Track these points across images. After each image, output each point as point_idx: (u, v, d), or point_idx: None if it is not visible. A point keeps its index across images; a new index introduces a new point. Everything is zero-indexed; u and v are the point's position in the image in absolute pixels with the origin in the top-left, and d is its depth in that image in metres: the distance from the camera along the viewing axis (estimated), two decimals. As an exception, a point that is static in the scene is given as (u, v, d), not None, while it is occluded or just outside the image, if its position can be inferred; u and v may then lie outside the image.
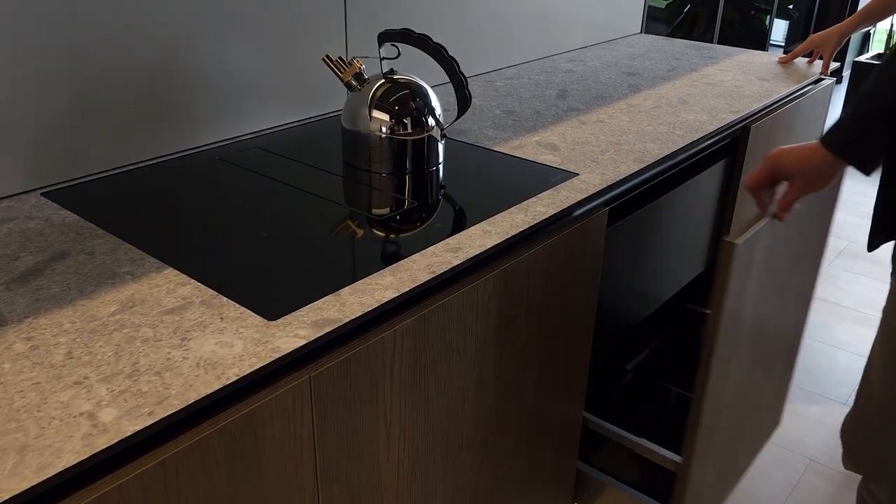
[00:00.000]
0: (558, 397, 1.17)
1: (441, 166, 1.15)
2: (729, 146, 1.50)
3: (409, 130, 1.11)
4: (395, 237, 0.92)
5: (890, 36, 4.10)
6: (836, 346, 2.22)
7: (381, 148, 1.11)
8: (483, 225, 0.95)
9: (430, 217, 0.98)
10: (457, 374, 0.92)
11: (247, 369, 0.67)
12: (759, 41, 4.73)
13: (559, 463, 1.25)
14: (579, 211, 1.07)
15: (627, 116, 1.41)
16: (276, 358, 0.68)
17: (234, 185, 1.06)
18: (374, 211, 1.00)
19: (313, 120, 1.35)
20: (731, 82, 1.68)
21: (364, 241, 0.90)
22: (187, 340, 0.70)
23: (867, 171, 1.00)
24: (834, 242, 2.87)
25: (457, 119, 1.15)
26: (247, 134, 1.26)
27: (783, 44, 5.20)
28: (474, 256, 0.88)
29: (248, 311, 0.76)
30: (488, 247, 0.90)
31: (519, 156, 1.19)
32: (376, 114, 1.11)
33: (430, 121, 1.13)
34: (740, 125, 1.45)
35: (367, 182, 1.09)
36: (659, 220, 1.32)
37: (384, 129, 1.11)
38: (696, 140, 1.30)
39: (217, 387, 0.64)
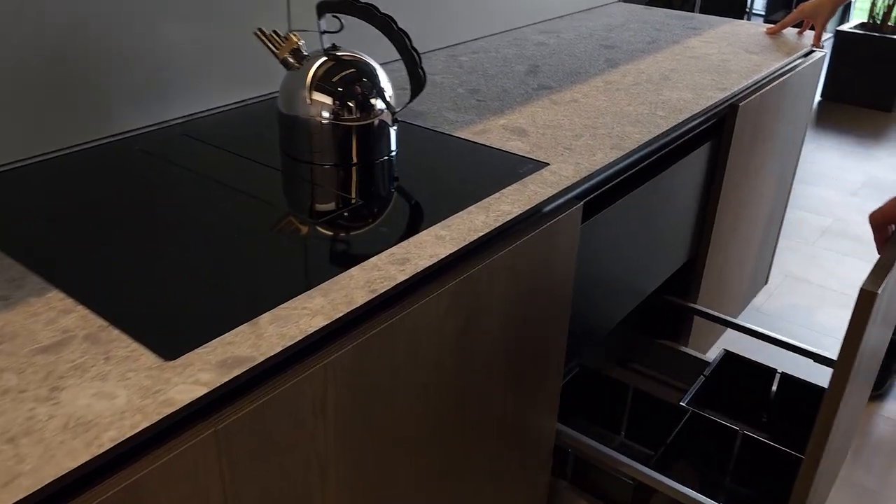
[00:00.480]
0: (530, 410, 1.04)
1: (393, 156, 1.01)
2: (714, 127, 1.37)
3: (355, 115, 0.97)
4: (331, 246, 0.78)
5: (874, 4, 3.98)
6: (819, 332, 2.12)
7: (323, 136, 0.97)
8: (437, 229, 0.82)
9: (375, 219, 0.84)
10: (407, 404, 0.79)
11: (127, 431, 0.53)
12: (739, 10, 4.59)
13: (532, 479, 1.13)
14: (550, 207, 0.94)
15: (604, 95, 1.27)
16: (167, 414, 0.55)
17: (151, 181, 0.92)
18: (311, 213, 0.86)
19: (252, 102, 1.20)
20: (716, 55, 1.54)
21: (294, 252, 0.77)
22: (59, 391, 0.57)
23: None
24: (817, 220, 2.77)
25: (410, 101, 1.01)
26: (173, 119, 1.11)
27: (763, 13, 5.06)
28: (424, 270, 0.74)
29: (142, 347, 0.62)
30: (441, 256, 0.77)
31: (482, 142, 1.05)
32: (317, 96, 0.96)
33: (379, 104, 0.98)
34: (727, 104, 1.32)
35: (307, 176, 0.95)
36: (638, 210, 1.19)
37: (326, 114, 0.96)
38: (681, 122, 1.16)
39: (86, 458, 0.51)
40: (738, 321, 1.47)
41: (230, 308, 0.67)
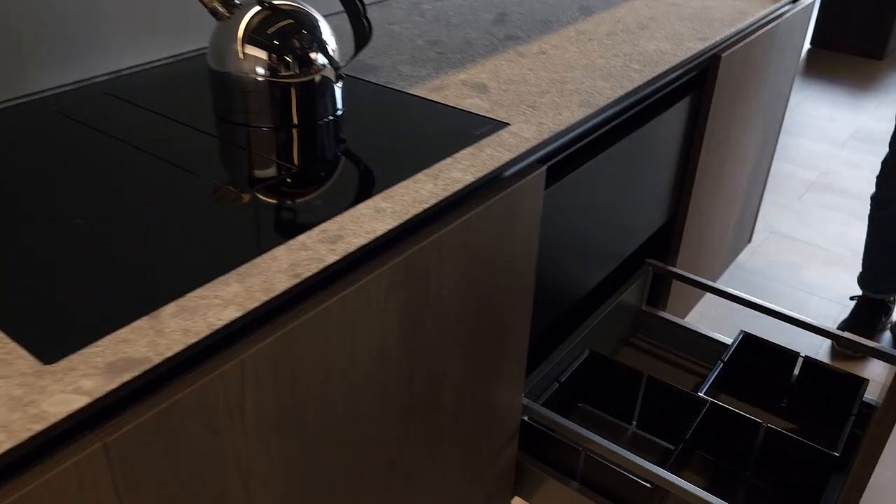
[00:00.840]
0: (492, 387, 0.97)
1: (338, 116, 0.92)
2: (695, 80, 1.27)
3: (294, 71, 0.87)
4: (256, 222, 0.69)
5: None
6: (804, 291, 2.06)
7: (258, 95, 0.87)
8: (378, 200, 0.73)
9: (310, 190, 0.75)
10: (344, 395, 0.71)
11: (-14, 455, 0.45)
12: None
13: (497, 456, 1.07)
14: (510, 172, 0.85)
15: (576, 46, 1.17)
16: (38, 431, 0.47)
17: (65, 147, 0.82)
18: (236, 183, 0.77)
19: (185, 56, 1.10)
20: (698, 2, 1.44)
21: (213, 230, 0.68)
22: (-88, 404, 0.48)
23: None
24: (804, 173, 2.69)
25: (354, 56, 0.91)
26: (98, 76, 1.01)
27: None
28: (358, 249, 0.66)
29: (20, 348, 0.53)
30: (379, 233, 0.68)
31: (438, 100, 0.96)
32: (250, 50, 0.86)
33: (321, 58, 0.88)
34: (709, 55, 1.23)
35: (240, 140, 0.86)
36: (612, 171, 1.10)
37: (260, 70, 0.86)
38: (657, 76, 1.07)
39: (-70, 490, 0.43)
40: (718, 285, 1.40)
41: (129, 298, 0.58)
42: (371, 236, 0.67)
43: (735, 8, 1.39)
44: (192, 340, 0.54)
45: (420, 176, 0.77)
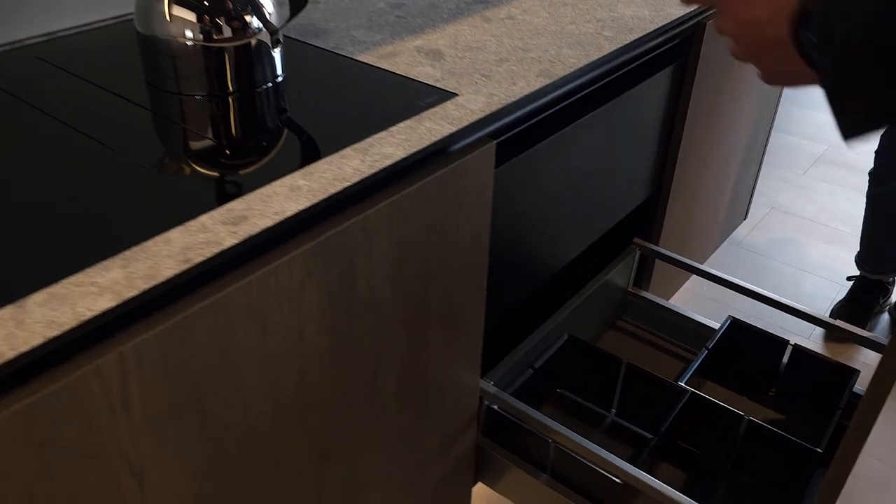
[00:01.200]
0: (444, 371, 0.92)
1: (276, 84, 0.86)
2: (678, 48, 1.20)
3: (226, 35, 0.81)
4: (158, 201, 0.64)
5: None
6: (803, 269, 1.99)
7: (187, 60, 0.82)
8: (296, 177, 0.68)
9: (226, 165, 0.70)
10: (259, 387, 0.66)
11: None
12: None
13: (453, 442, 1.02)
14: (457, 146, 0.79)
15: (547, 11, 1.10)
16: None
17: (-26, 114, 0.77)
18: (146, 157, 0.71)
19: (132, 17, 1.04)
20: (689, -36, 1.35)
21: (110, 209, 0.63)
22: None
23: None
24: (811, 146, 2.59)
25: (290, 20, 0.85)
26: (31, 37, 0.95)
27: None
28: (262, 231, 0.61)
29: None
30: (289, 214, 0.63)
31: (386, 68, 0.90)
32: (177, 11, 0.80)
33: (255, 22, 0.82)
34: (694, 21, 1.15)
35: (165, 111, 0.80)
36: (584, 144, 1.04)
37: (189, 34, 0.81)
38: (629, 44, 1.00)
39: None
40: (705, 267, 1.34)
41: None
42: (279, 217, 0.62)
43: (727, -29, 1.30)
44: (55, 333, 0.50)
45: (348, 151, 0.72)
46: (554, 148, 0.97)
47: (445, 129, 0.76)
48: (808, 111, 2.84)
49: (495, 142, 0.83)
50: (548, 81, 0.87)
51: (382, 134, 0.75)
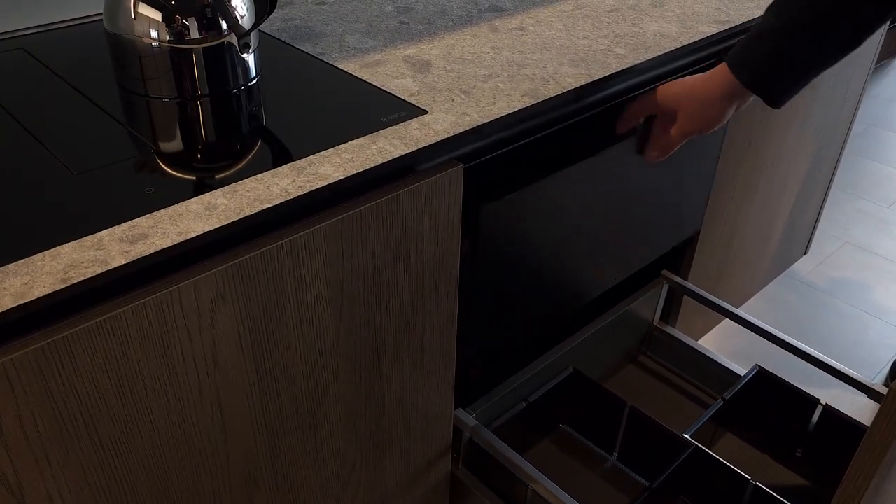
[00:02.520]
0: (410, 402, 0.87)
1: (244, 91, 0.83)
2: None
3: (193, 36, 0.78)
4: (68, 211, 0.61)
5: None
6: (870, 314, 1.82)
7: (151, 61, 0.79)
8: (217, 194, 0.64)
9: (153, 175, 0.66)
10: (162, 409, 0.63)
11: None
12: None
13: (422, 471, 0.97)
14: (425, 166, 0.73)
15: (563, 23, 1.02)
16: None
17: (-62, 105, 0.77)
18: (78, 161, 0.69)
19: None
20: (743, -23, 1.24)
21: (17, 215, 0.60)
22: None
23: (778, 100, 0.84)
24: (902, 178, 2.38)
25: (256, 25, 0.81)
26: (21, 30, 0.95)
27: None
28: (158, 252, 0.57)
29: None
30: (193, 235, 0.59)
31: (364, 78, 0.85)
32: (143, 10, 0.78)
33: (222, 24, 0.79)
34: (728, 43, 1.05)
35: (123, 113, 0.78)
36: (599, 178, 0.96)
37: (154, 34, 0.78)
38: (639, 64, 0.91)
39: None
40: (733, 308, 1.23)
41: None
42: (181, 238, 0.58)
43: (783, -14, 1.19)
44: None
45: (284, 168, 0.67)
46: (567, 178, 0.90)
47: (398, 150, 0.71)
48: (904, 138, 2.62)
49: (464, 166, 0.77)
50: (532, 102, 0.81)
51: (328, 152, 0.70)
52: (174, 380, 0.62)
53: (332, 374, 0.76)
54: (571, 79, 0.86)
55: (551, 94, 0.82)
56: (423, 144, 0.72)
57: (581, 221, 0.98)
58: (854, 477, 0.64)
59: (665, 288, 1.31)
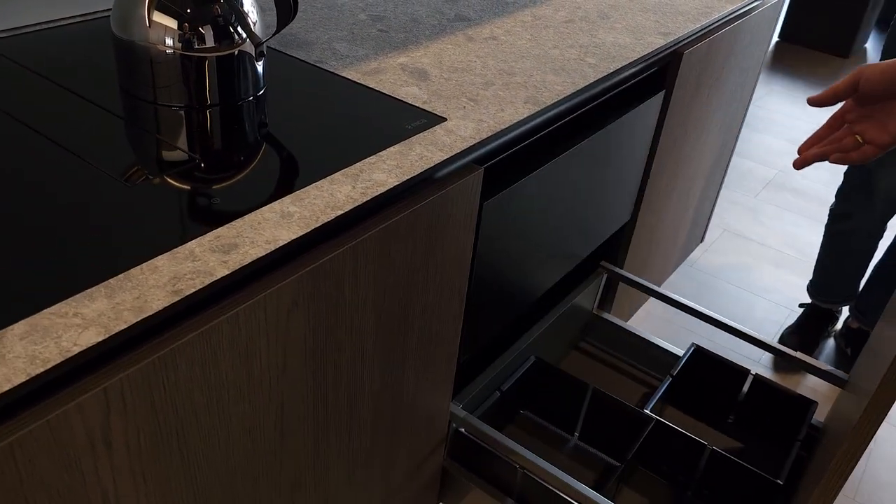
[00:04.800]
0: (417, 396, 0.91)
1: (258, 98, 0.83)
2: (653, 76, 1.21)
3: (208, 45, 0.78)
4: (139, 224, 0.61)
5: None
6: (753, 293, 2.03)
7: (166, 69, 0.78)
8: (286, 203, 0.65)
9: (211, 186, 0.67)
10: (238, 418, 0.64)
11: None
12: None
13: (422, 465, 1.01)
14: (443, 172, 0.77)
15: (529, 33, 1.09)
16: None
17: (-65, 116, 0.72)
18: (128, 172, 0.68)
19: (101, 16, 0.99)
20: (664, -8, 1.37)
21: (88, 230, 0.59)
22: None
23: None
24: (762, 170, 2.66)
25: (277, 31, 0.82)
26: (-7, 33, 0.90)
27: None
28: (254, 262, 0.58)
29: None
30: (281, 243, 0.60)
31: (372, 86, 0.88)
32: (158, 17, 0.77)
33: (240, 31, 0.79)
34: (669, 51, 1.16)
35: (143, 121, 0.77)
36: (567, 174, 1.03)
37: (169, 42, 0.77)
38: (613, 72, 1.00)
39: None
40: (668, 293, 1.35)
41: (-28, 313, 0.50)
42: (271, 247, 0.60)
43: (701, 1, 1.33)
44: (38, 370, 0.46)
45: (338, 176, 0.70)
46: (537, 176, 0.97)
47: (436, 157, 0.75)
48: (760, 135, 2.92)
49: (483, 167, 0.81)
50: (535, 109, 0.87)
51: (373, 159, 0.73)
52: (251, 388, 0.63)
53: (368, 375, 0.79)
54: (560, 86, 0.93)
55: (549, 102, 0.89)
56: (457, 150, 0.76)
57: (543, 217, 1.06)
58: (855, 438, 0.75)
59: (604, 277, 1.42)
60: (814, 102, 0.87)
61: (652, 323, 1.86)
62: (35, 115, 0.74)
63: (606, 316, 1.44)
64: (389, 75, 0.91)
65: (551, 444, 1.25)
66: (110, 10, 0.99)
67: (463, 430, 1.08)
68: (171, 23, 0.77)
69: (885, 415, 0.79)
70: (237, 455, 0.66)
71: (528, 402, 1.28)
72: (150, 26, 0.77)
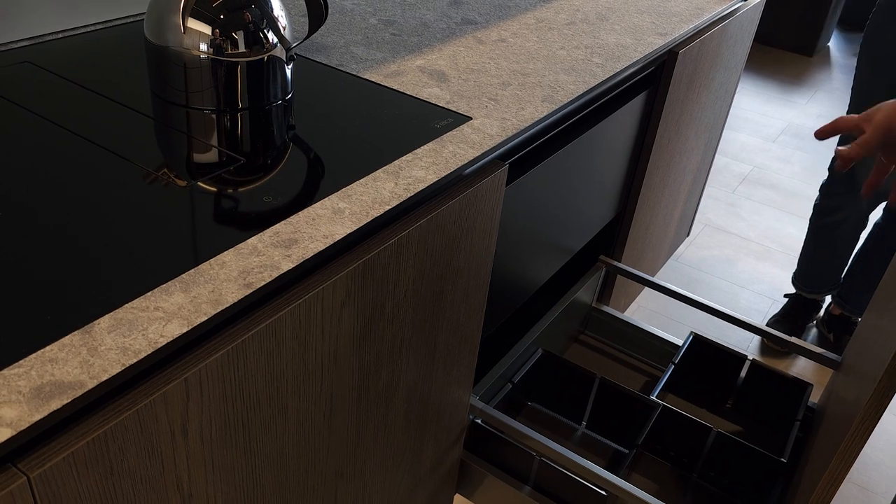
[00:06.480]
0: (444, 388, 0.94)
1: (288, 101, 0.86)
2: (651, 75, 1.25)
3: (241, 49, 0.80)
4: (200, 221, 0.63)
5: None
6: (736, 284, 2.10)
7: (201, 73, 0.80)
8: (335, 199, 0.68)
9: (260, 184, 0.69)
10: (294, 407, 0.66)
11: None
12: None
13: (444, 456, 1.04)
14: (471, 169, 0.81)
15: (535, 35, 1.13)
16: (-51, 473, 0.40)
17: (-23, 122, 0.73)
18: (176, 174, 0.70)
19: (122, 23, 1.01)
20: (655, -6, 1.41)
21: (150, 229, 0.61)
22: None
23: None
24: (737, 166, 2.74)
25: (309, 35, 0.84)
26: (19, 41, 0.91)
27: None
28: (316, 255, 0.61)
29: (-72, 367, 0.46)
30: (338, 237, 0.63)
31: (396, 88, 0.90)
32: (193, 24, 0.79)
33: (271, 37, 0.82)
34: (666, 50, 1.21)
35: (179, 123, 0.79)
36: (568, 168, 1.07)
37: (204, 47, 0.79)
38: (619, 71, 1.04)
39: None
40: (666, 283, 1.40)
41: (57, 309, 0.51)
42: (329, 241, 0.62)
43: (692, 2, 1.38)
44: (132, 361, 0.48)
45: (379, 173, 0.72)
46: (543, 171, 1.00)
47: (469, 153, 0.78)
48: (734, 133, 3.00)
49: (507, 164, 0.85)
50: (553, 107, 0.90)
51: (409, 157, 0.76)
52: (306, 378, 0.66)
53: (405, 365, 0.81)
54: (573, 85, 0.97)
55: (565, 100, 0.93)
56: (486, 147, 0.79)
57: (544, 208, 1.10)
58: (862, 420, 0.79)
59: (603, 271, 1.46)
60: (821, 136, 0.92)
61: (644, 314, 1.91)
62: (78, 120, 0.75)
63: (606, 308, 1.48)
64: (410, 77, 0.93)
65: (560, 433, 1.28)
66: (129, 17, 1.00)
67: (479, 420, 1.11)
68: (206, 29, 0.79)
69: (889, 401, 0.83)
70: (291, 445, 0.68)
71: (535, 393, 1.32)
72: (184, 32, 0.79)
